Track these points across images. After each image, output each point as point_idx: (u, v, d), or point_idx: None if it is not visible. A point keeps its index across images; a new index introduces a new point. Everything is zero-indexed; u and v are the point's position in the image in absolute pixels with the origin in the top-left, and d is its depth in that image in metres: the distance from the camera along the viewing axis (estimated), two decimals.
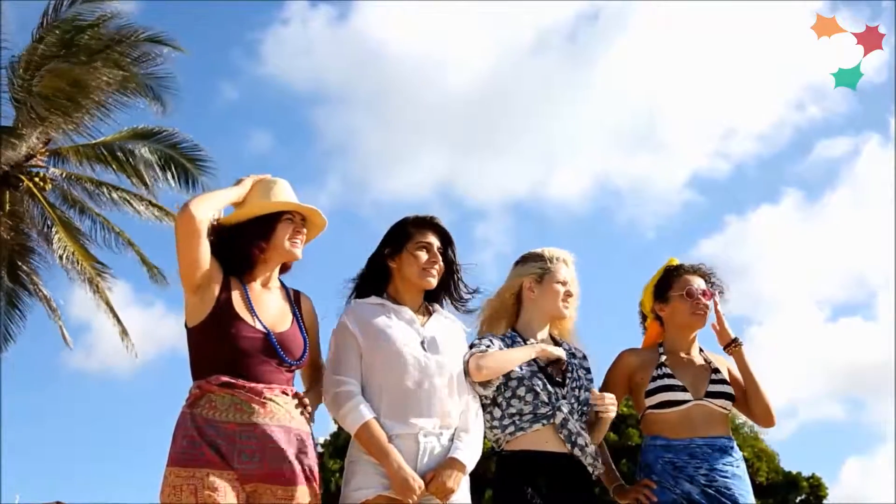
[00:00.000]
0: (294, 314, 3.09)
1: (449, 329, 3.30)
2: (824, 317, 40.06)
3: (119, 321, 14.45)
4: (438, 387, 3.11)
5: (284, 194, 3.10)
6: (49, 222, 14.09)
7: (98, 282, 14.06)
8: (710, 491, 3.41)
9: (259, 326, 2.94)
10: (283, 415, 2.90)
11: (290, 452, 2.87)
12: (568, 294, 3.51)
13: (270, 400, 2.88)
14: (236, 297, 2.96)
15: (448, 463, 3.05)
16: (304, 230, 3.11)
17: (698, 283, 3.65)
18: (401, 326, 3.18)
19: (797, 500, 23.85)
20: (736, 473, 3.47)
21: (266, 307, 3.02)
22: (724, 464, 3.46)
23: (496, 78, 38.46)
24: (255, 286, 3.05)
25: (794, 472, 24.00)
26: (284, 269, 3.20)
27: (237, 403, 2.85)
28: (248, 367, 2.89)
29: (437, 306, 3.36)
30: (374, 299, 3.27)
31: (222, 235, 3.03)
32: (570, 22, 39.70)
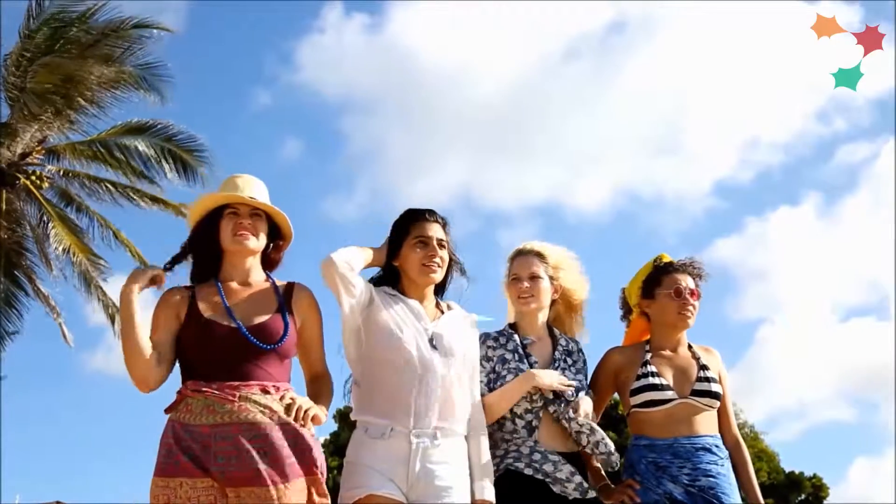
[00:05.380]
0: (280, 305, 2.99)
1: (460, 329, 3.23)
2: (838, 318, 40.24)
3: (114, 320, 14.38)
4: (439, 386, 3.04)
5: (224, 189, 3.07)
6: (46, 219, 14.02)
7: (94, 278, 14.00)
8: (692, 490, 3.38)
9: (231, 323, 2.88)
10: (259, 412, 2.78)
11: (273, 450, 2.75)
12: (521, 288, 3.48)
13: (246, 398, 2.79)
14: (206, 303, 2.92)
15: None
16: (250, 221, 3.02)
17: (687, 282, 3.60)
18: (409, 320, 3.11)
19: (798, 500, 23.85)
20: (721, 472, 3.43)
21: (241, 302, 2.95)
22: (708, 462, 3.42)
23: (524, 86, 38.87)
24: (233, 284, 3.00)
25: (797, 472, 24.02)
26: (272, 265, 3.15)
27: (210, 405, 2.78)
28: (223, 365, 2.82)
29: (453, 304, 3.31)
30: (387, 289, 3.20)
31: (189, 248, 3.06)
32: (598, 31, 40.17)
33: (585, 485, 3.29)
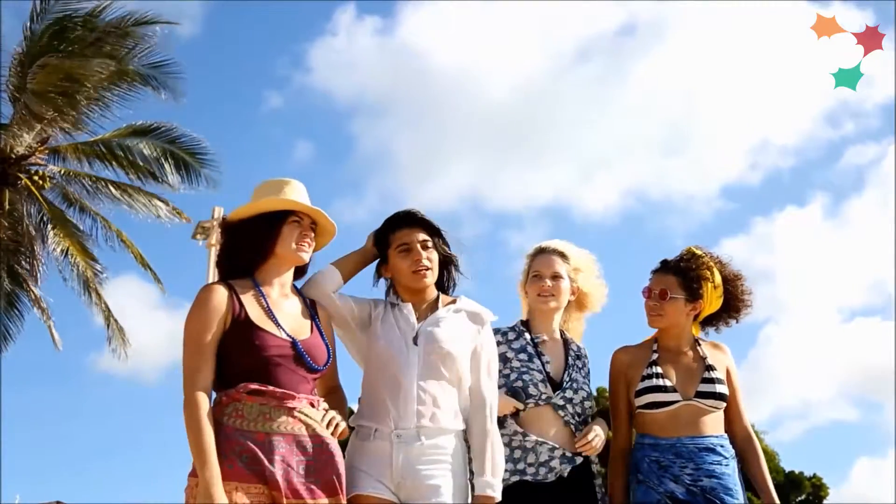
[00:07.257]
0: (314, 321, 3.00)
1: (454, 324, 3.12)
2: (842, 318, 40.37)
3: (115, 321, 14.33)
4: (415, 385, 2.99)
5: (294, 194, 3.00)
6: (46, 220, 13.99)
7: (92, 281, 13.97)
8: (695, 490, 3.36)
9: (284, 335, 2.87)
10: (311, 424, 2.82)
11: (322, 462, 2.80)
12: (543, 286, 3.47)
13: (300, 411, 2.81)
14: (254, 308, 2.88)
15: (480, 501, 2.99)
16: (312, 234, 3.02)
17: (651, 282, 3.56)
18: (395, 323, 3.09)
19: (798, 500, 23.85)
20: (725, 472, 3.40)
21: (286, 315, 2.94)
22: (711, 463, 3.39)
23: (533, 88, 39.05)
24: (273, 293, 2.96)
25: (797, 472, 24.02)
26: (298, 274, 3.11)
27: (266, 412, 2.77)
28: (276, 376, 2.81)
29: (463, 298, 3.21)
30: (392, 297, 3.18)
31: (229, 235, 3.00)
32: (608, 34, 40.26)
33: (568, 454, 3.28)
